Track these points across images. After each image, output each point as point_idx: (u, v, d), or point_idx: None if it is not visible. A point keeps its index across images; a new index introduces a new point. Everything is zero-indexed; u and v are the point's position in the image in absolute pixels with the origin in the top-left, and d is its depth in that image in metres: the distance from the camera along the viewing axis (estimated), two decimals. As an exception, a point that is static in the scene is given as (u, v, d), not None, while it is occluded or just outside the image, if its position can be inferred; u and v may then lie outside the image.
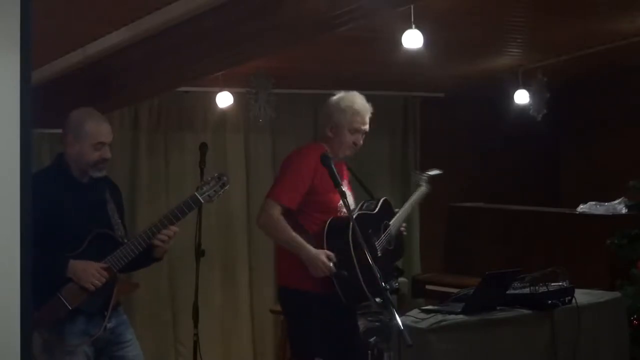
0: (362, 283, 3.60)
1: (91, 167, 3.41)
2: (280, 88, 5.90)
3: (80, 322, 3.31)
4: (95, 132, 3.40)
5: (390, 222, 3.95)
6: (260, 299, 6.37)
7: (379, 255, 3.78)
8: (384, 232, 3.89)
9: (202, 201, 3.47)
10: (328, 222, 3.73)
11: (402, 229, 4.06)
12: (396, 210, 4.07)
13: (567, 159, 7.48)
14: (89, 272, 3.28)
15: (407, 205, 4.16)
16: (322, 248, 3.70)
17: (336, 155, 3.83)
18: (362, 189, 4.15)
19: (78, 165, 3.42)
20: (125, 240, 3.41)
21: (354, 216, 3.59)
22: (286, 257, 3.83)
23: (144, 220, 5.61)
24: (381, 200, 3.98)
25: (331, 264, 3.65)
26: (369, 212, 3.91)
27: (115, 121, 5.62)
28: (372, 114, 3.94)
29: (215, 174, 3.55)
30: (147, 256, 3.49)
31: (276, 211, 3.76)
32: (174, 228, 3.43)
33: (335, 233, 3.71)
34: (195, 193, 3.47)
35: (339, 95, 3.92)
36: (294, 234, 3.75)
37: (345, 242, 3.63)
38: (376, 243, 3.80)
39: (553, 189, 7.43)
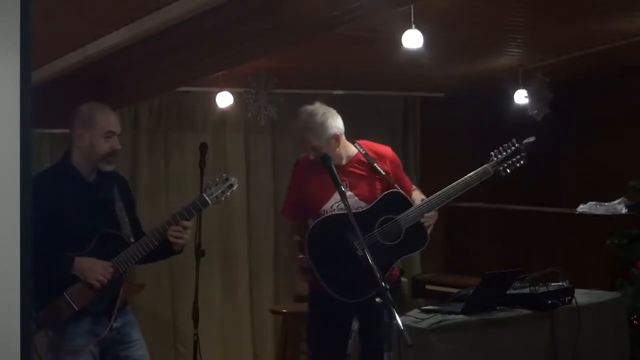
0: (324, 285, 3.66)
1: (101, 159, 3.41)
2: (280, 88, 5.90)
3: (86, 322, 3.31)
4: (105, 122, 3.42)
5: (398, 216, 3.73)
6: (260, 299, 6.37)
7: (360, 254, 3.55)
8: (378, 228, 3.73)
9: (210, 202, 3.48)
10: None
11: (423, 220, 3.76)
12: (422, 198, 3.84)
13: (567, 159, 7.47)
14: (95, 269, 3.28)
15: (443, 191, 3.80)
16: None
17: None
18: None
19: (88, 159, 3.41)
20: (132, 240, 3.41)
21: (321, 219, 3.72)
22: None
23: (144, 220, 5.58)
24: (382, 194, 3.82)
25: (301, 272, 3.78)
26: (352, 210, 3.61)
27: (115, 121, 5.63)
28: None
29: (223, 176, 3.55)
30: (167, 250, 3.49)
31: (289, 225, 4.01)
32: (185, 223, 3.45)
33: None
34: (203, 194, 3.47)
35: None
36: (292, 244, 3.92)
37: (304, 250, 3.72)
38: (355, 243, 3.59)
39: (553, 189, 7.43)
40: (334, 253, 3.67)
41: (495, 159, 3.89)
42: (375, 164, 3.86)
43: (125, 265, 3.36)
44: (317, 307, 3.93)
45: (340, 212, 3.72)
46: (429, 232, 3.82)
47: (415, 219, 3.75)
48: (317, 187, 3.75)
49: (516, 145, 3.87)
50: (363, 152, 3.88)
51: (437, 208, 3.80)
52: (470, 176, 3.85)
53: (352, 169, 3.86)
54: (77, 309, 3.27)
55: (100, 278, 3.28)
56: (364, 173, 3.87)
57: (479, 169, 3.86)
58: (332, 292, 3.63)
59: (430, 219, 3.80)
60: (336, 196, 3.69)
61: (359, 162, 3.88)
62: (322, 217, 3.74)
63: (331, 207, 3.77)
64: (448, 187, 3.81)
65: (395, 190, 3.83)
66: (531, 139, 3.90)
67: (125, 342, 3.45)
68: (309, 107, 3.91)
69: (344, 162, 3.85)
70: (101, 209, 3.42)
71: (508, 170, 3.89)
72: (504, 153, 3.89)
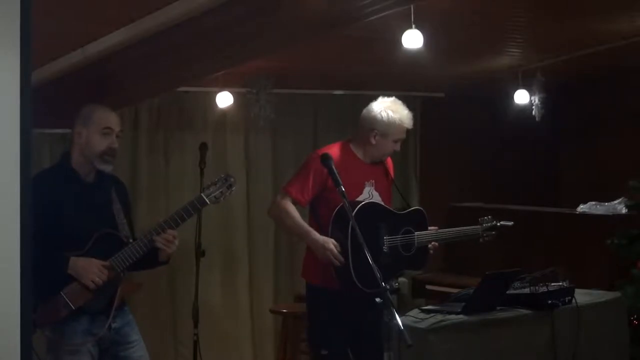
0: (351, 269, 3.66)
1: (98, 157, 3.39)
2: (280, 88, 5.90)
3: (84, 322, 3.31)
4: (103, 119, 3.41)
5: (416, 232, 3.96)
6: (260, 299, 6.36)
7: (385, 250, 3.82)
8: (402, 235, 3.91)
9: (209, 202, 3.45)
10: (336, 209, 3.78)
11: (430, 246, 4.03)
12: (432, 228, 4.07)
13: (567, 159, 7.47)
14: (90, 269, 3.27)
15: (449, 230, 4.15)
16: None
17: (373, 158, 3.98)
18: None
19: (86, 157, 3.40)
20: (130, 241, 3.41)
21: (364, 203, 3.79)
22: (307, 254, 4.00)
23: (143, 220, 5.61)
24: (412, 208, 4.11)
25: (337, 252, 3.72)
26: (387, 207, 3.98)
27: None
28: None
29: (222, 175, 3.53)
30: (153, 259, 3.47)
31: (285, 200, 3.91)
32: (172, 232, 3.41)
33: (338, 219, 3.78)
34: (202, 194, 3.45)
35: (383, 103, 3.96)
36: (300, 221, 3.88)
37: (345, 226, 3.67)
38: (385, 237, 3.83)
39: (553, 189, 7.43)
40: (362, 241, 3.73)
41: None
42: (389, 170, 4.13)
43: (123, 264, 3.35)
44: (317, 303, 3.95)
45: (383, 205, 3.95)
46: (427, 263, 4.13)
47: (427, 242, 4.01)
48: (347, 182, 3.71)
49: (494, 222, 4.28)
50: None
51: (437, 245, 4.10)
52: (472, 228, 4.24)
53: (379, 170, 4.06)
54: (73, 308, 3.26)
55: (96, 279, 3.27)
56: (384, 176, 4.09)
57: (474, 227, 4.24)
58: (355, 278, 3.66)
59: (435, 249, 4.08)
60: (365, 192, 3.93)
61: (382, 165, 4.08)
62: (366, 202, 3.85)
63: (364, 200, 3.90)
64: (463, 228, 4.20)
65: (422, 209, 4.11)
66: (509, 223, 4.31)
67: (124, 343, 3.44)
68: (395, 99, 4.01)
69: (377, 162, 4.03)
70: (99, 209, 3.42)
71: (483, 240, 4.29)
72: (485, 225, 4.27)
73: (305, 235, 3.86)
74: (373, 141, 3.95)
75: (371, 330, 3.69)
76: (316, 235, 3.80)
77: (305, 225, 3.87)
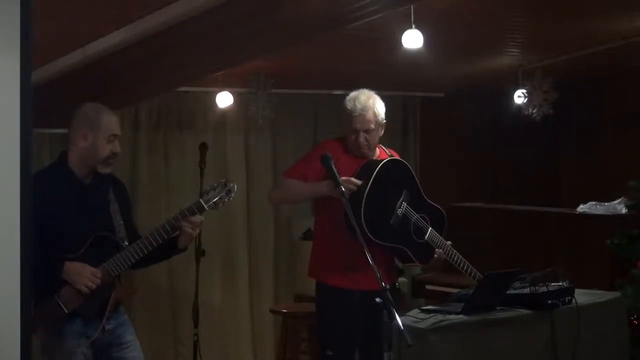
0: (362, 214, 3.60)
1: (102, 162, 3.37)
2: (280, 88, 5.90)
3: (77, 324, 3.29)
4: (110, 125, 3.38)
5: (430, 228, 3.92)
6: (260, 299, 6.37)
7: (398, 214, 3.78)
8: (420, 215, 3.89)
9: (207, 208, 3.41)
10: (365, 162, 3.82)
11: (437, 252, 4.00)
12: (448, 242, 4.04)
13: (567, 159, 7.48)
14: (83, 275, 3.25)
15: (459, 256, 4.08)
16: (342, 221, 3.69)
17: (354, 153, 3.88)
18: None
19: (87, 160, 3.37)
20: (126, 244, 3.38)
21: (399, 160, 3.92)
22: (314, 251, 3.96)
23: (143, 221, 5.61)
24: (437, 205, 4.03)
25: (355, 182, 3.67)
26: (417, 182, 3.96)
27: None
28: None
29: (222, 180, 3.49)
30: (169, 248, 3.45)
31: (282, 179, 3.91)
32: (200, 217, 3.41)
33: (365, 167, 3.77)
34: (200, 200, 3.42)
35: (350, 94, 3.94)
36: (304, 183, 3.80)
37: (368, 176, 3.68)
38: (404, 203, 3.80)
39: (553, 189, 7.43)
40: (382, 192, 3.72)
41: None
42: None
43: (118, 268, 3.32)
44: (326, 302, 3.90)
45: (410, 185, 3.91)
46: (429, 261, 4.07)
47: (434, 244, 3.96)
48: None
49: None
50: (388, 153, 4.01)
51: (443, 257, 4.05)
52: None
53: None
54: (67, 312, 3.24)
55: (89, 284, 3.25)
56: None
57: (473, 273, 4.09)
58: (364, 222, 3.59)
59: (439, 255, 4.04)
60: None
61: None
62: (393, 159, 3.90)
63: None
64: (472, 267, 4.09)
65: (444, 213, 4.06)
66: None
67: (118, 344, 3.41)
68: (365, 90, 3.93)
69: (374, 157, 3.95)
70: (96, 211, 3.38)
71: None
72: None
73: (319, 187, 3.74)
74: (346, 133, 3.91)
75: (375, 332, 3.69)
76: (322, 182, 3.71)
77: (309, 183, 3.77)
